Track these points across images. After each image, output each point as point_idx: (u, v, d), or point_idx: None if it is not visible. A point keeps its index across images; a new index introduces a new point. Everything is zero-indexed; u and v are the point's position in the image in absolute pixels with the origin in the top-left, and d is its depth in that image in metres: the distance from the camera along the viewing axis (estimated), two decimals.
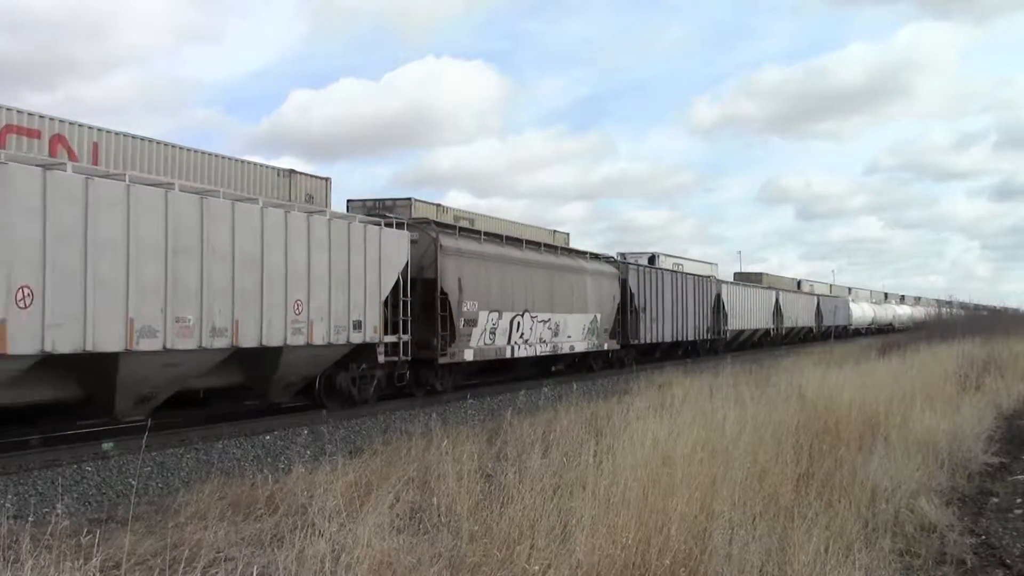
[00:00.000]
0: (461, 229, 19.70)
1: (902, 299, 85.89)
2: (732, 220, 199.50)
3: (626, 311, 26.39)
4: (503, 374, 21.60)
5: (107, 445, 11.35)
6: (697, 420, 8.73)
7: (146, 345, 11.27)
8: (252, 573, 5.22)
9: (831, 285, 67.78)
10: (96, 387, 11.32)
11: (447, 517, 6.50)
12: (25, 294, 9.86)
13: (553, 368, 23.94)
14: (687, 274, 33.87)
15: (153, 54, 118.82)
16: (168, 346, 11.57)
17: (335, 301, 14.54)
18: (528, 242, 22.77)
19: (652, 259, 32.13)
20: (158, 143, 18.15)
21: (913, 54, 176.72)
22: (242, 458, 11.65)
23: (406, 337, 16.49)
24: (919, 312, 73.83)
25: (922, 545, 7.15)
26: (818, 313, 52.15)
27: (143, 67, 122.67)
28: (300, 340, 13.75)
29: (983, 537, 7.91)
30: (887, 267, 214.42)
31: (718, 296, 35.03)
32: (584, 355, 24.39)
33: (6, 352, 9.66)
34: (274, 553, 5.91)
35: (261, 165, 21.02)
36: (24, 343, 9.84)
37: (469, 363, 18.65)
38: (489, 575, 5.18)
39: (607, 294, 25.09)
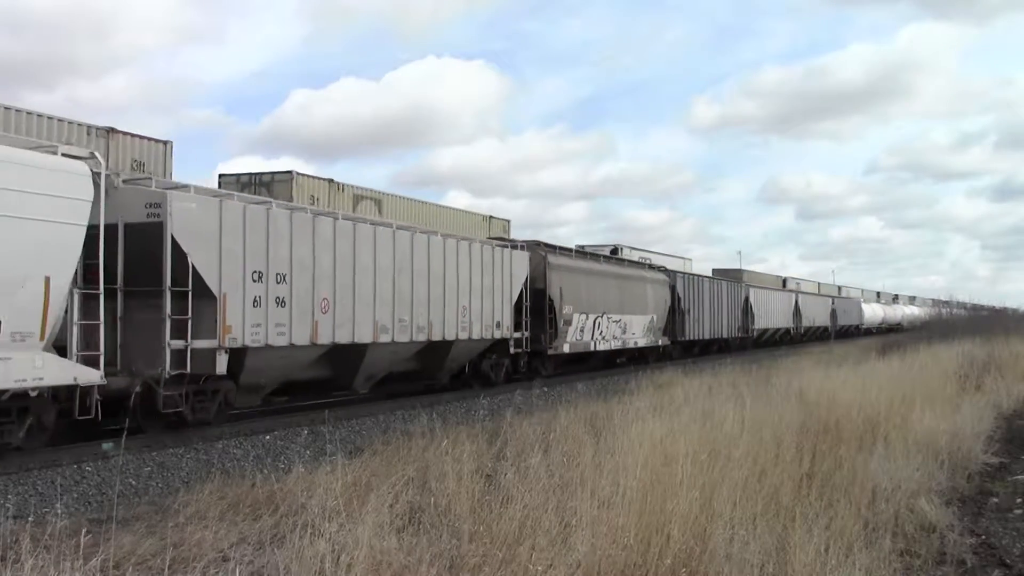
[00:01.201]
0: (559, 248, 24.64)
1: (895, 298, 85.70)
2: (732, 220, 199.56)
3: (674, 312, 30.95)
4: (582, 364, 25.69)
5: (107, 445, 11.35)
6: (697, 420, 8.74)
7: (383, 339, 15.79)
8: (252, 573, 5.22)
9: (819, 284, 66.43)
10: (343, 369, 15.60)
11: (447, 517, 6.49)
12: (325, 303, 14.37)
13: (618, 360, 27.98)
14: (722, 280, 38.94)
15: (154, 54, 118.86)
16: (395, 339, 16.13)
17: (485, 306, 19.18)
18: (605, 257, 28.38)
19: (615, 251, 29.65)
20: None
21: (913, 54, 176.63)
22: (242, 458, 11.63)
23: (527, 334, 21.29)
24: (926, 312, 73.75)
25: (922, 545, 7.15)
26: (833, 314, 56.75)
27: (143, 67, 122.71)
28: (465, 335, 18.38)
29: (983, 537, 7.91)
30: (887, 267, 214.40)
31: (747, 299, 39.92)
32: (642, 349, 28.51)
33: (316, 342, 14.21)
34: (274, 553, 5.92)
35: (69, 122, 18.33)
36: (324, 337, 14.37)
37: (566, 354, 23.19)
38: (490, 575, 5.18)
39: (660, 298, 29.81)
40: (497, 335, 19.71)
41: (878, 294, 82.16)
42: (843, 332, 56.65)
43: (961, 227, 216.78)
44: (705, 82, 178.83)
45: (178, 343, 11.82)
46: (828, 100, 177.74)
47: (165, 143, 20.67)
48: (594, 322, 24.52)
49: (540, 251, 22.45)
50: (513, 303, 20.43)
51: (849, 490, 7.60)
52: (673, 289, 31.03)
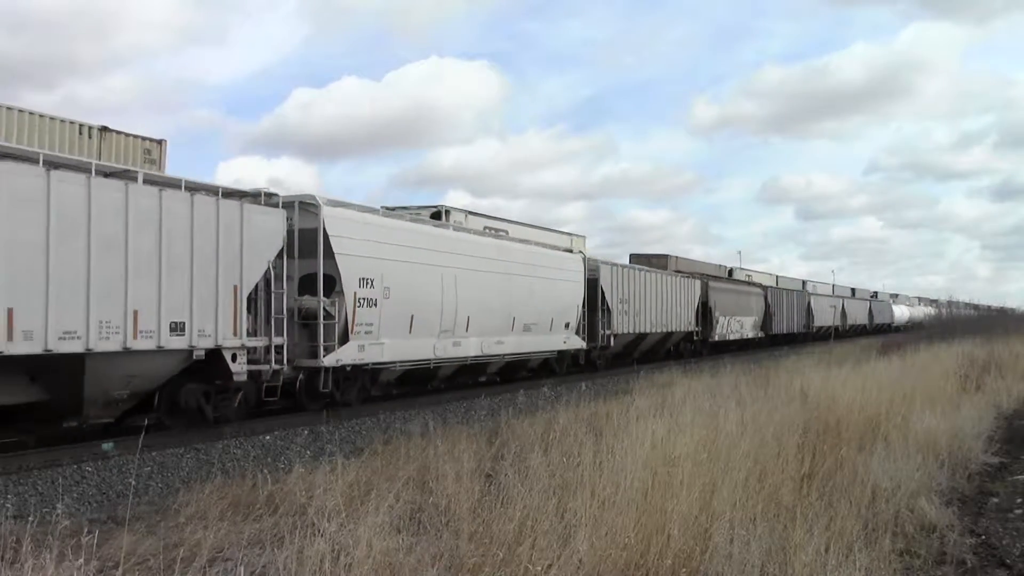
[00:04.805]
0: (714, 276, 40.58)
1: (875, 295, 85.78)
2: (732, 220, 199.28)
3: (766, 314, 44.67)
4: (719, 349, 37.25)
5: (107, 445, 11.36)
6: (698, 420, 8.73)
7: (653, 331, 30.11)
8: (252, 573, 5.22)
9: (777, 277, 62.58)
10: (633, 346, 29.28)
11: (447, 517, 6.49)
12: (638, 311, 28.78)
13: (732, 347, 39.51)
14: (791, 291, 53.03)
15: (155, 54, 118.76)
16: (657, 331, 30.66)
17: (685, 312, 33.53)
18: (735, 280, 45.22)
19: (436, 215, 24.91)
20: None
21: (914, 54, 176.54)
22: (242, 458, 11.63)
23: (700, 329, 35.26)
24: (944, 311, 74.81)
25: (922, 545, 7.15)
26: (870, 314, 71.03)
27: (144, 67, 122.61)
28: (679, 329, 32.92)
29: (983, 537, 7.91)
30: (887, 267, 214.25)
31: (808, 304, 54.35)
32: (749, 340, 42.04)
33: (636, 332, 28.82)
34: (274, 553, 5.91)
35: (62, 120, 18.04)
36: (639, 328, 28.85)
37: (715, 341, 37.00)
38: (490, 575, 5.17)
39: (759, 305, 44.01)
40: (689, 329, 34.18)
41: (853, 291, 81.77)
42: (878, 329, 69.63)
43: (961, 227, 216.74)
44: (705, 82, 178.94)
45: (604, 331, 26.08)
46: (828, 100, 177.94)
47: (160, 142, 20.57)
48: (728, 321, 38.55)
49: (703, 279, 37.09)
50: (694, 310, 34.63)
51: (849, 490, 7.59)
52: (766, 298, 45.22)
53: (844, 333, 59.45)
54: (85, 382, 11.08)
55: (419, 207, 24.67)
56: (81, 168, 11.13)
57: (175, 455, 11.34)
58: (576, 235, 34.84)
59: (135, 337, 11.34)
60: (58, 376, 10.85)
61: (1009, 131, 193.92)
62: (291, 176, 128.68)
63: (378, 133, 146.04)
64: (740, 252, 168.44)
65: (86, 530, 5.79)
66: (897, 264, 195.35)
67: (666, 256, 48.11)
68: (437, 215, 23.88)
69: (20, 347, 10.06)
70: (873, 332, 65.88)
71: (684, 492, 5.94)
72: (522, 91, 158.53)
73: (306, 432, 12.81)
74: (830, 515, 6.55)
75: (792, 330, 49.55)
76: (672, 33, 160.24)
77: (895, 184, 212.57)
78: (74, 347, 10.62)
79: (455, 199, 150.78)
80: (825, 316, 57.07)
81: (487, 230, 24.35)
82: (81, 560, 5.08)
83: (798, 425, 9.58)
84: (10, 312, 9.95)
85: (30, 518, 6.59)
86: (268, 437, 12.73)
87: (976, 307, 67.25)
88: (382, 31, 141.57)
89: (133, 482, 9.83)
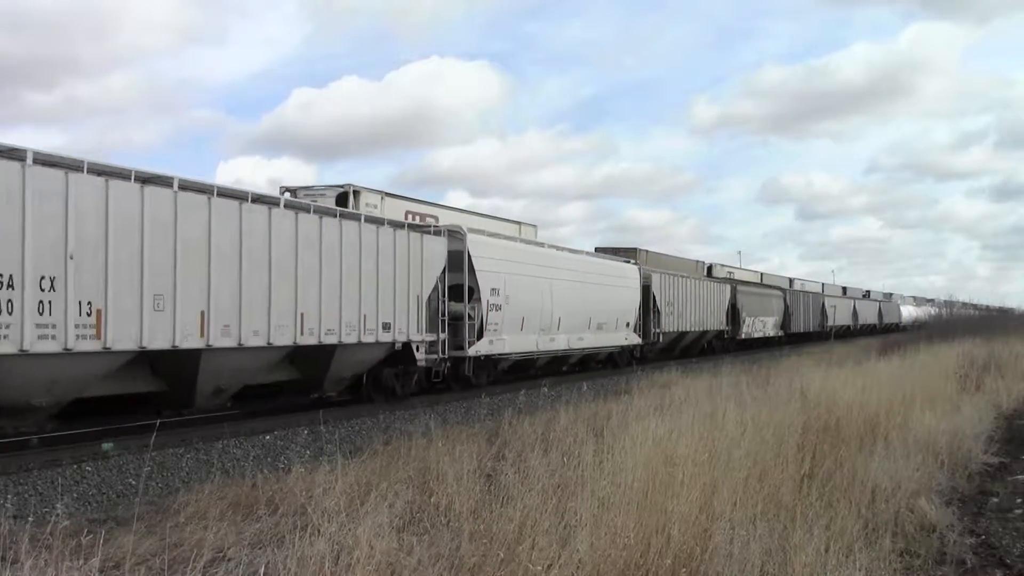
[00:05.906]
0: (742, 281, 45.70)
1: (867, 294, 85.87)
2: (732, 220, 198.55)
3: (785, 314, 50.10)
4: (744, 345, 42.49)
5: (107, 445, 11.36)
6: (698, 420, 8.74)
7: (692, 329, 35.91)
8: (252, 573, 5.23)
9: (762, 274, 59.93)
10: (674, 343, 34.73)
11: (447, 517, 6.50)
12: (671, 313, 33.05)
13: (757, 344, 45.24)
14: (807, 293, 57.69)
15: (155, 55, 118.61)
16: (694, 330, 35.99)
17: (716, 312, 38.20)
18: (758, 283, 51.35)
19: (343, 196, 21.79)
20: None
21: (914, 54, 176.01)
22: (242, 458, 11.63)
23: (729, 327, 40.06)
24: (943, 311, 75.38)
25: (922, 545, 7.15)
26: (879, 314, 75.86)
27: (145, 68, 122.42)
28: (713, 327, 38.05)
29: (983, 537, 7.91)
30: (887, 267, 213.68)
31: (822, 305, 59.34)
32: (769, 338, 47.25)
33: (677, 330, 34.19)
34: (274, 553, 5.92)
35: None
36: (677, 327, 34.16)
37: (742, 339, 42.08)
38: (490, 575, 5.17)
39: (779, 306, 49.56)
40: (721, 328, 39.12)
41: (844, 290, 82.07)
42: (886, 328, 73.05)
43: (961, 227, 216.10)
44: (706, 82, 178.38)
45: (655, 330, 31.02)
46: (828, 100, 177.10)
47: None
48: (753, 321, 43.45)
49: (732, 284, 42.30)
50: (725, 311, 39.47)
51: (849, 490, 7.59)
52: (785, 300, 50.46)
53: (856, 332, 65.17)
54: (331, 366, 15.21)
55: (324, 186, 22.11)
56: (331, 213, 15.47)
57: (175, 455, 11.35)
58: (526, 224, 30.81)
59: (364, 333, 15.76)
60: (311, 361, 14.95)
61: (1009, 131, 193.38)
62: (291, 176, 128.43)
63: (378, 133, 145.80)
64: (740, 252, 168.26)
65: (86, 530, 5.80)
66: (897, 264, 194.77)
67: (635, 249, 46.75)
68: (344, 196, 21.19)
69: (306, 340, 14.33)
70: (883, 331, 70.06)
71: (684, 492, 5.94)
72: (522, 91, 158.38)
73: (306, 432, 12.81)
74: (830, 515, 6.55)
75: (808, 329, 54.83)
76: (672, 33, 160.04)
77: (895, 184, 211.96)
78: (332, 340, 14.93)
79: (455, 199, 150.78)
80: (838, 316, 62.67)
81: (409, 215, 21.63)
82: (81, 560, 5.08)
83: (798, 425, 9.57)
84: (301, 315, 14.20)
85: (30, 518, 6.59)
86: (268, 437, 12.73)
87: (976, 307, 68.19)
88: (382, 31, 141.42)
89: (134, 482, 9.84)
